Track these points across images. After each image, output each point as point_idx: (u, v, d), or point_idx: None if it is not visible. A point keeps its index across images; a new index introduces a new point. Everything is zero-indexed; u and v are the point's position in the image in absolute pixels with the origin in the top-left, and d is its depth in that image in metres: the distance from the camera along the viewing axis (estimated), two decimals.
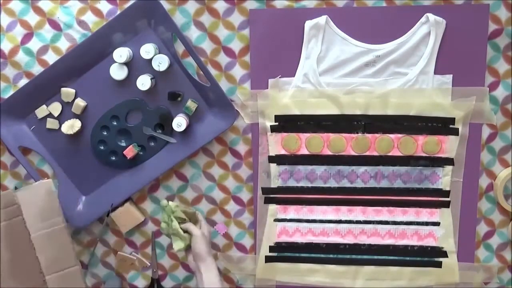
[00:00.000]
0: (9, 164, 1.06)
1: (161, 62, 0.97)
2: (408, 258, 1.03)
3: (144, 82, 0.96)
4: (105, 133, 1.02)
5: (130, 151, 1.01)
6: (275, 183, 1.03)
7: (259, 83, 0.99)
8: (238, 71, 1.00)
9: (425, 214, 1.02)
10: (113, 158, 1.03)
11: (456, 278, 1.03)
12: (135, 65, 0.99)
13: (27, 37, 1.00)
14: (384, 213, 1.02)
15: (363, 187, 1.01)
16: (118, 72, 0.98)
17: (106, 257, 1.09)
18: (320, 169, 1.01)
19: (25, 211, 0.92)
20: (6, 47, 1.01)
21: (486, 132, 0.99)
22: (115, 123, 1.01)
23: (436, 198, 1.01)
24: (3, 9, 1.00)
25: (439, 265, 1.02)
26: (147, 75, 0.97)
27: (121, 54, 0.96)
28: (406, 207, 1.02)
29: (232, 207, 1.05)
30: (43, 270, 0.91)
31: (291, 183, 1.02)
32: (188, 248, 0.95)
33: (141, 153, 1.03)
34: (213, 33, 0.98)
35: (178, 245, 0.94)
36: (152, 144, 1.02)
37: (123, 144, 1.02)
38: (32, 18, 1.00)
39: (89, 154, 1.03)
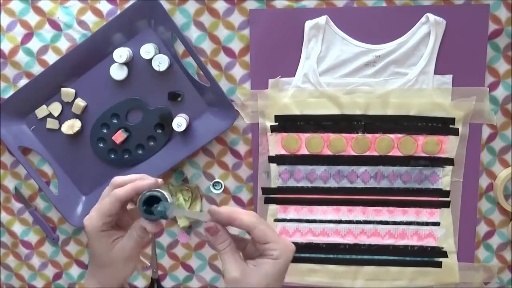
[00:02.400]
0: (9, 164, 1.06)
1: (161, 62, 0.97)
2: (408, 258, 1.03)
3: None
4: (105, 131, 1.02)
5: (119, 136, 1.00)
6: (275, 183, 1.02)
7: (259, 83, 0.99)
8: (238, 71, 1.00)
9: (425, 214, 1.01)
10: (112, 156, 1.03)
11: (456, 278, 1.03)
12: (135, 65, 0.99)
13: (27, 37, 1.00)
14: (384, 213, 1.02)
15: (363, 187, 1.01)
16: (118, 72, 0.98)
17: None
18: (320, 169, 1.01)
19: None
20: (6, 47, 1.01)
21: (486, 132, 0.99)
22: (115, 121, 1.01)
23: (436, 198, 1.01)
24: (3, 9, 1.00)
25: (439, 265, 1.02)
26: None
27: (121, 54, 0.96)
28: (406, 207, 1.01)
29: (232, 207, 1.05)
30: None
31: (291, 183, 1.02)
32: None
33: (141, 152, 1.03)
34: (213, 33, 0.98)
35: (183, 222, 1.03)
36: (152, 144, 1.02)
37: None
38: (32, 18, 1.00)
39: (89, 154, 1.03)
